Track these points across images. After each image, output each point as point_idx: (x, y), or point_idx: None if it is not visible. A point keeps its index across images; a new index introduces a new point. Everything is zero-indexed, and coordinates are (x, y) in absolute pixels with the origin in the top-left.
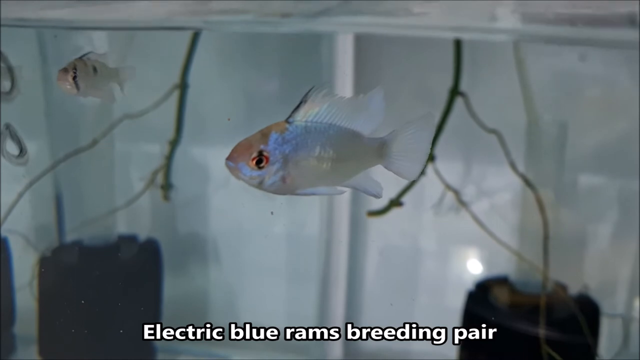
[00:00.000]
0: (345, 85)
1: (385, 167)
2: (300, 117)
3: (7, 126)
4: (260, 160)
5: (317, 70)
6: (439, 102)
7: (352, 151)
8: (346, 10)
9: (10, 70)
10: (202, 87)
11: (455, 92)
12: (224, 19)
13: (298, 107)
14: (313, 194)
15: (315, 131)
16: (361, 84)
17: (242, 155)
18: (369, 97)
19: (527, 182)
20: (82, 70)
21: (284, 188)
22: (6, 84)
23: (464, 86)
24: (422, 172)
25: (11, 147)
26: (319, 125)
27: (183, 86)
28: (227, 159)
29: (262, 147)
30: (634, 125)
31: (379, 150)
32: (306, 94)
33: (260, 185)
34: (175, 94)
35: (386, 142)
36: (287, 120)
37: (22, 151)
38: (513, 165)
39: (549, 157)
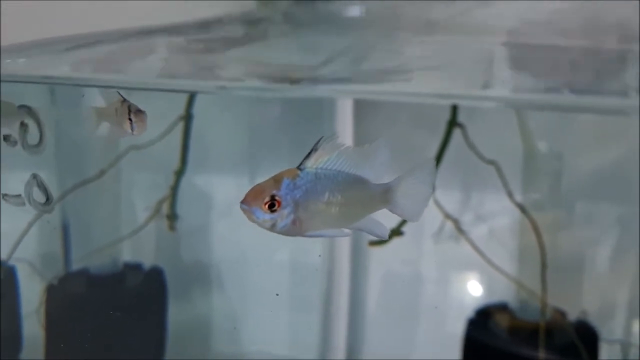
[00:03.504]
0: (345, 130)
1: (390, 211)
2: (311, 164)
3: (35, 176)
4: (272, 205)
5: (318, 104)
6: (437, 133)
7: (359, 196)
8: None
9: (38, 123)
10: (206, 118)
11: (453, 123)
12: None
13: (309, 155)
14: (321, 236)
15: (325, 178)
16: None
17: (255, 200)
18: (374, 146)
19: (524, 211)
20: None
21: (294, 230)
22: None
23: (461, 118)
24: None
25: (38, 195)
26: (328, 172)
27: (188, 117)
28: (242, 202)
29: (274, 192)
30: (630, 151)
31: (384, 196)
32: (317, 143)
33: (272, 227)
34: (180, 125)
35: (391, 188)
36: (298, 167)
37: (48, 199)
38: (511, 195)
39: (545, 186)
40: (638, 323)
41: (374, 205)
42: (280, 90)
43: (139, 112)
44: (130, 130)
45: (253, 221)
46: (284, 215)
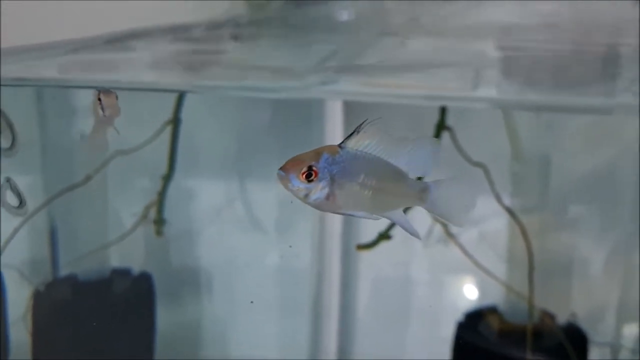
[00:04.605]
0: (335, 132)
1: (428, 211)
2: (352, 145)
3: (8, 179)
4: (309, 175)
5: (307, 105)
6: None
7: (394, 187)
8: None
9: (10, 127)
10: (194, 122)
11: (441, 126)
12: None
13: (351, 135)
14: (352, 215)
15: (363, 160)
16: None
17: (294, 168)
18: (419, 142)
19: (512, 214)
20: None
21: (326, 205)
22: (6, 141)
23: (450, 120)
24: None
25: (11, 199)
26: (367, 155)
27: (176, 121)
28: (280, 169)
29: (313, 163)
30: (618, 153)
31: (420, 194)
32: (360, 125)
33: (305, 198)
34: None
35: (428, 188)
36: (339, 145)
37: (21, 203)
38: (498, 198)
39: (534, 188)
40: (628, 325)
41: (408, 200)
42: (269, 91)
43: (108, 92)
44: (102, 112)
45: (287, 189)
46: (318, 188)
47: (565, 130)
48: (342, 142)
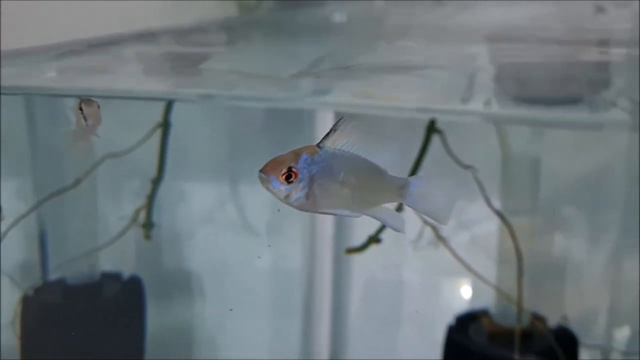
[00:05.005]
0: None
1: (410, 207)
2: (330, 144)
3: None
4: (289, 176)
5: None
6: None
7: (374, 184)
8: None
9: None
10: (185, 125)
11: (431, 129)
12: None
13: (328, 134)
14: (333, 214)
15: (342, 158)
16: None
17: (274, 169)
18: (392, 141)
19: (502, 217)
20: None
21: (307, 205)
22: None
23: (440, 123)
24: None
25: None
26: (345, 153)
27: (166, 125)
28: (261, 171)
29: (292, 164)
30: (608, 156)
31: (400, 190)
32: (336, 123)
33: (286, 199)
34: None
35: (407, 184)
36: (318, 145)
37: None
38: (488, 201)
39: (524, 191)
40: (619, 328)
41: (388, 197)
42: (259, 100)
43: (90, 101)
44: (84, 122)
45: (269, 190)
46: (298, 189)
47: (556, 134)
48: (320, 141)
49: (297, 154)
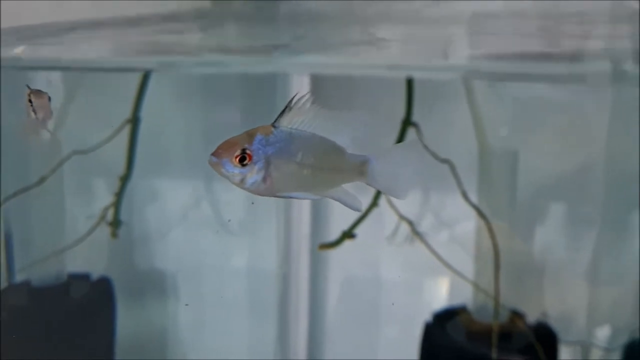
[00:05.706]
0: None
1: (369, 185)
2: (286, 123)
3: None
4: (243, 158)
5: (273, 97)
6: (396, 112)
7: (334, 163)
8: (301, 49)
9: None
10: (157, 120)
11: (407, 122)
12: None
13: (282, 112)
14: (291, 197)
15: (299, 138)
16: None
17: (226, 152)
18: (354, 115)
19: (479, 212)
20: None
21: (264, 189)
22: None
23: (416, 117)
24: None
25: None
26: (303, 133)
27: (135, 121)
28: (212, 154)
29: (246, 146)
30: (588, 150)
31: (360, 168)
32: (290, 101)
33: (241, 182)
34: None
35: (367, 162)
36: (273, 125)
37: None
38: (465, 195)
39: (501, 186)
40: (599, 324)
41: (349, 176)
42: (225, 64)
43: (39, 92)
44: (33, 115)
45: (222, 175)
46: (254, 171)
47: (535, 126)
48: (275, 121)
49: (250, 135)
